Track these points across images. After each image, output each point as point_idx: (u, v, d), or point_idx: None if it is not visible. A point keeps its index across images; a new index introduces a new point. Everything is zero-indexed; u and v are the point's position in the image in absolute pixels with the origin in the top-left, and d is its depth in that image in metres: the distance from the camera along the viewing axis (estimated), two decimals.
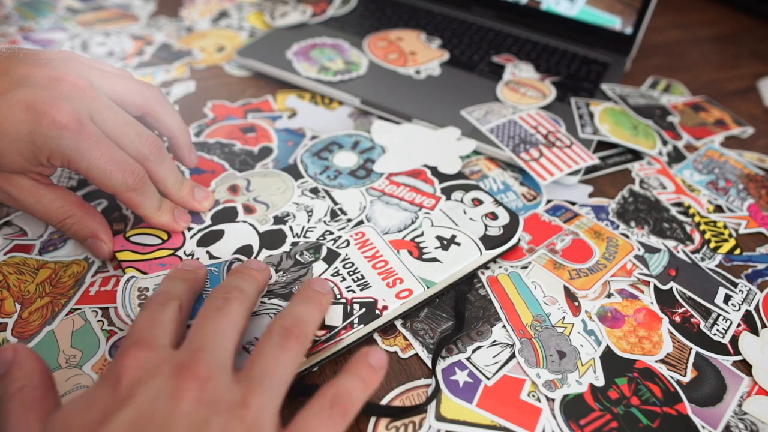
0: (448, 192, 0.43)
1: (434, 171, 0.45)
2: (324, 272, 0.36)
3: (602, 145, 0.53)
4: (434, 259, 0.37)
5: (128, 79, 0.37)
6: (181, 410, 0.23)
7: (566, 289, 0.39)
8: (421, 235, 0.39)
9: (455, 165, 0.45)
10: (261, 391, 0.25)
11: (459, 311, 0.37)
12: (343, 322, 0.33)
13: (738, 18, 0.82)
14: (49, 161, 0.32)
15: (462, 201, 0.42)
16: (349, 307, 0.34)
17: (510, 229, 0.40)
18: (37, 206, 0.35)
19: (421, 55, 0.61)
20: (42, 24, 0.65)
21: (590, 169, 0.50)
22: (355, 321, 0.33)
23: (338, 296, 0.35)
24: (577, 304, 0.38)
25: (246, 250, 0.38)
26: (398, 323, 0.36)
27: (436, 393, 0.32)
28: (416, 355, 0.35)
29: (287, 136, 0.51)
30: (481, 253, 0.38)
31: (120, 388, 0.24)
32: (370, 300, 0.34)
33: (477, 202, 0.42)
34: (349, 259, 0.37)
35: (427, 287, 0.35)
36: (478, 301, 0.38)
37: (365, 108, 0.54)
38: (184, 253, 0.37)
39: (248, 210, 0.40)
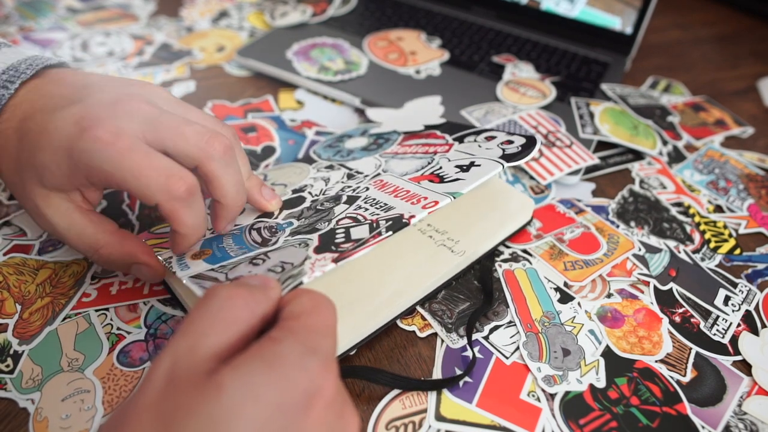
0: (460, 139, 0.42)
1: (443, 130, 0.44)
2: (345, 210, 0.35)
3: (602, 145, 0.53)
4: (457, 179, 0.36)
5: (203, 119, 0.33)
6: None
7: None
8: (440, 168, 0.38)
9: (438, 119, 0.47)
10: None
11: (486, 287, 0.38)
12: (370, 233, 0.31)
13: (738, 18, 0.82)
14: (89, 179, 0.30)
15: (476, 140, 0.41)
16: (374, 224, 0.32)
17: (528, 145, 0.38)
18: (69, 232, 0.32)
19: (421, 54, 0.61)
20: (42, 24, 0.65)
21: (590, 169, 0.50)
22: (383, 230, 0.31)
23: (363, 219, 0.33)
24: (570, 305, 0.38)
25: (268, 214, 0.37)
26: (418, 305, 0.37)
27: (473, 363, 0.34)
28: (434, 333, 0.36)
29: (288, 135, 0.51)
30: (503, 166, 0.36)
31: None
32: (396, 215, 0.33)
33: (490, 138, 0.41)
34: (370, 197, 0.36)
35: (454, 198, 0.34)
36: (494, 283, 0.39)
37: (366, 108, 0.54)
38: (208, 229, 0.36)
39: None
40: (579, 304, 0.38)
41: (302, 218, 0.35)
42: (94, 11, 0.68)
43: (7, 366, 0.32)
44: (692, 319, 0.38)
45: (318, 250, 0.31)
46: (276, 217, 0.36)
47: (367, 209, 0.34)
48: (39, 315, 0.35)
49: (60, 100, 0.31)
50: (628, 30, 0.64)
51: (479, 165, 0.37)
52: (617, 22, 0.64)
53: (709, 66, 0.69)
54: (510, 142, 0.39)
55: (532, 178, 0.48)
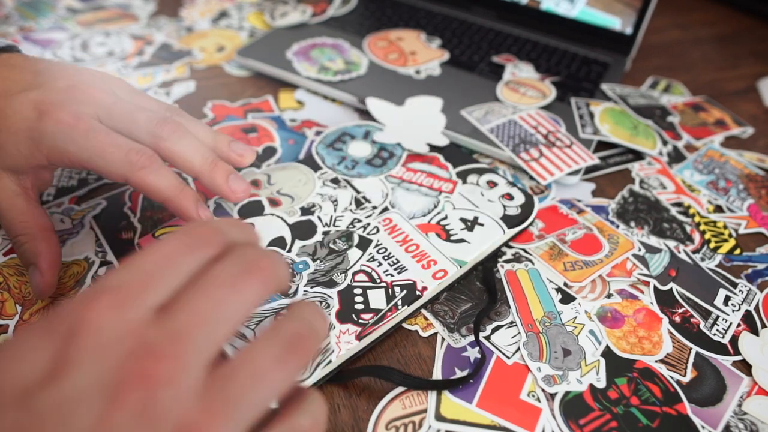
0: (463, 176, 0.45)
1: (447, 156, 0.46)
2: (359, 258, 0.37)
3: (602, 145, 0.53)
4: (462, 240, 0.39)
5: (152, 100, 0.36)
6: (109, 422, 0.16)
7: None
8: (446, 218, 0.41)
9: (441, 138, 0.48)
10: (225, 420, 0.18)
11: (490, 287, 0.38)
12: (387, 304, 0.34)
13: (738, 18, 0.82)
14: (49, 160, 0.32)
15: (478, 184, 0.44)
16: (390, 290, 0.35)
17: (527, 208, 0.42)
18: (6, 213, 0.34)
19: (421, 55, 0.61)
20: (42, 24, 0.65)
21: (590, 169, 0.50)
22: (399, 303, 0.35)
23: (378, 280, 0.36)
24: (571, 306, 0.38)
25: (279, 241, 0.38)
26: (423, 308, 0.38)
27: (483, 362, 0.34)
28: (435, 333, 0.36)
29: (288, 135, 0.51)
30: (504, 232, 0.40)
31: (67, 350, 0.17)
32: (409, 282, 0.36)
33: (492, 184, 0.44)
34: (381, 244, 0.38)
35: (460, 266, 0.37)
36: (496, 282, 0.39)
37: (365, 108, 0.54)
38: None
39: (273, 203, 0.41)
40: (579, 304, 0.38)
41: (317, 258, 0.37)
42: (93, 11, 0.68)
43: None
44: (692, 319, 0.38)
45: (340, 317, 0.34)
46: (289, 250, 0.38)
47: (380, 264, 0.37)
48: (39, 316, 0.35)
49: (15, 85, 0.33)
50: (628, 30, 0.64)
51: (482, 224, 0.40)
52: (617, 22, 0.64)
53: (709, 66, 0.69)
54: (510, 197, 0.43)
55: (531, 178, 0.48)
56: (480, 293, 0.39)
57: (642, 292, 0.39)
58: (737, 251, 0.44)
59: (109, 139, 0.32)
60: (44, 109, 0.31)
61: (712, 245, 0.44)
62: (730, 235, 0.45)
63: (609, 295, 0.39)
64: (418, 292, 0.35)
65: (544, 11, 0.67)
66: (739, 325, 0.38)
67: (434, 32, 0.66)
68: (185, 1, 0.72)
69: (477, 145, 0.50)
